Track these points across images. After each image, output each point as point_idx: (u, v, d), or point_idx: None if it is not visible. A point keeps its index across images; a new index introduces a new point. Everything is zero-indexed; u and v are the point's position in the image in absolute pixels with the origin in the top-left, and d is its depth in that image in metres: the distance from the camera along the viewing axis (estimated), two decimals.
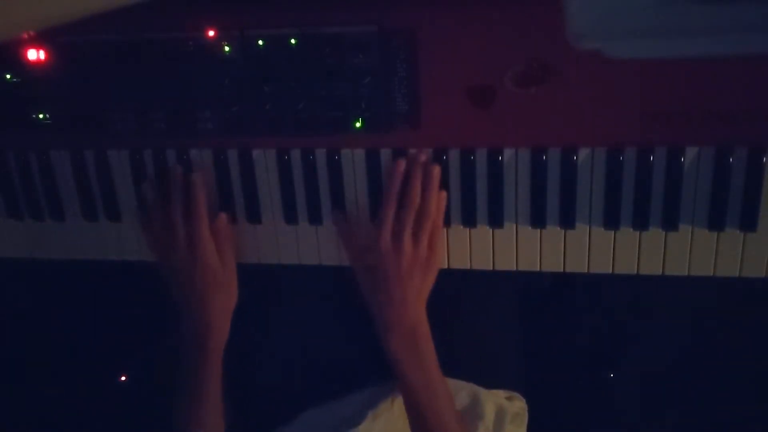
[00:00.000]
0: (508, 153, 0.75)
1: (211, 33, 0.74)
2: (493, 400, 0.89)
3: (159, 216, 0.81)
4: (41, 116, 0.81)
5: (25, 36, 0.76)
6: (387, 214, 0.76)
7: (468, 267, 0.81)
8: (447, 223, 0.79)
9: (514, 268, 0.80)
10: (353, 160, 0.78)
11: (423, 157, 0.76)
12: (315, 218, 0.81)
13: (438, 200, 0.77)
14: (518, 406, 0.92)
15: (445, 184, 0.77)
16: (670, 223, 0.74)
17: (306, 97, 0.75)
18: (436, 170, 0.76)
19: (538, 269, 0.80)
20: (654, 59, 0.65)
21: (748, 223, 0.73)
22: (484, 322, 0.97)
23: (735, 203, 0.72)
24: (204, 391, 0.79)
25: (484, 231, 0.79)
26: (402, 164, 0.76)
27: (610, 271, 0.78)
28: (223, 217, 0.82)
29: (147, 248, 0.86)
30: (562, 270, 0.79)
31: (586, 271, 0.79)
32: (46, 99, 0.80)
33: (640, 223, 0.75)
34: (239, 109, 0.76)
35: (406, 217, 0.75)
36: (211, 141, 0.81)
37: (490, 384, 0.91)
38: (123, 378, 1.20)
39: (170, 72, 0.76)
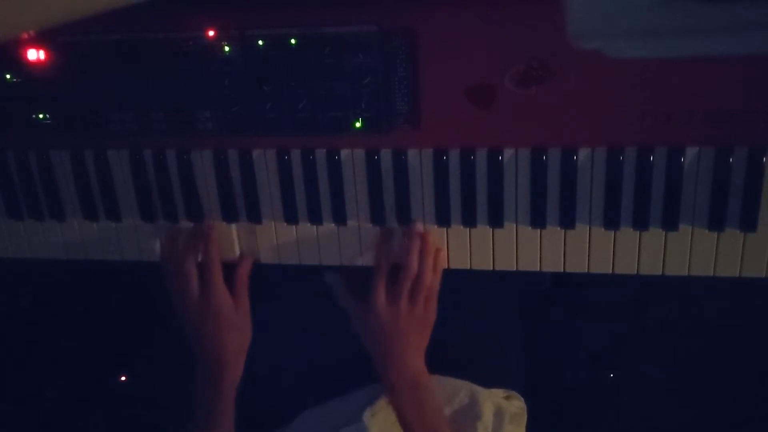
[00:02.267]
0: (508, 153, 0.75)
1: (211, 33, 0.74)
2: (491, 399, 0.89)
3: (173, 265, 0.83)
4: (41, 116, 0.81)
5: (25, 36, 0.76)
6: (380, 280, 0.79)
7: (468, 267, 0.81)
8: (447, 223, 0.79)
9: (514, 268, 0.80)
10: (353, 160, 0.78)
11: (420, 227, 0.79)
12: (315, 218, 0.81)
13: (435, 266, 0.79)
14: (517, 405, 0.92)
15: (445, 184, 0.77)
16: (670, 223, 0.74)
17: (306, 97, 0.75)
18: (431, 239, 0.79)
19: (538, 269, 0.80)
20: (654, 59, 0.65)
21: (748, 223, 0.73)
22: (483, 322, 0.97)
23: (735, 203, 0.72)
24: (217, 426, 0.81)
25: (484, 231, 0.79)
26: (388, 232, 0.79)
27: (610, 271, 0.78)
28: (247, 263, 0.84)
29: (147, 248, 0.87)
30: (562, 270, 0.79)
31: (586, 271, 0.79)
32: (46, 99, 0.80)
33: (640, 223, 0.75)
34: (239, 109, 0.76)
35: (403, 284, 0.78)
36: (211, 141, 0.81)
37: (488, 383, 0.91)
38: (123, 378, 1.20)
39: (170, 72, 0.76)
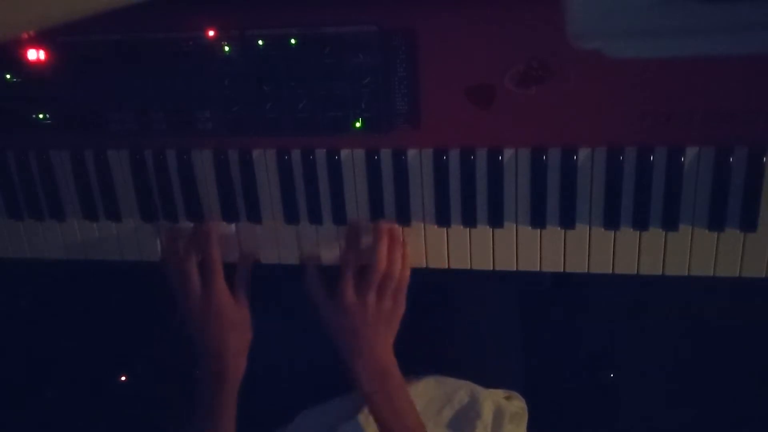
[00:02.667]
0: (508, 153, 0.75)
1: (211, 33, 0.74)
2: (491, 399, 0.89)
3: (174, 265, 0.83)
4: (41, 116, 0.81)
5: (25, 36, 0.76)
6: (347, 273, 0.80)
7: (468, 267, 0.81)
8: (447, 223, 0.79)
9: (514, 268, 0.80)
10: (353, 160, 0.78)
11: (387, 225, 0.79)
12: (315, 218, 0.81)
13: (403, 261, 0.80)
14: (517, 405, 0.92)
15: (445, 184, 0.77)
16: (670, 223, 0.74)
17: (306, 97, 0.75)
18: (398, 234, 0.79)
19: (538, 269, 0.80)
20: (654, 59, 0.65)
21: (748, 223, 0.73)
22: (484, 322, 0.97)
23: (735, 203, 0.72)
24: (219, 426, 0.81)
25: (484, 231, 0.79)
26: (355, 229, 0.80)
27: (610, 271, 0.78)
28: (248, 263, 0.85)
29: (147, 248, 0.87)
30: (562, 270, 0.79)
31: (586, 271, 0.79)
32: (46, 99, 0.80)
33: (640, 223, 0.75)
34: (239, 109, 0.76)
35: (371, 279, 0.78)
36: (211, 141, 0.81)
37: (489, 383, 0.91)
38: (123, 378, 1.20)
39: (170, 72, 0.76)
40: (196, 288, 0.82)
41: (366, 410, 0.85)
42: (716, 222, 0.73)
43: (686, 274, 0.77)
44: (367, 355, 0.79)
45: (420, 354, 0.88)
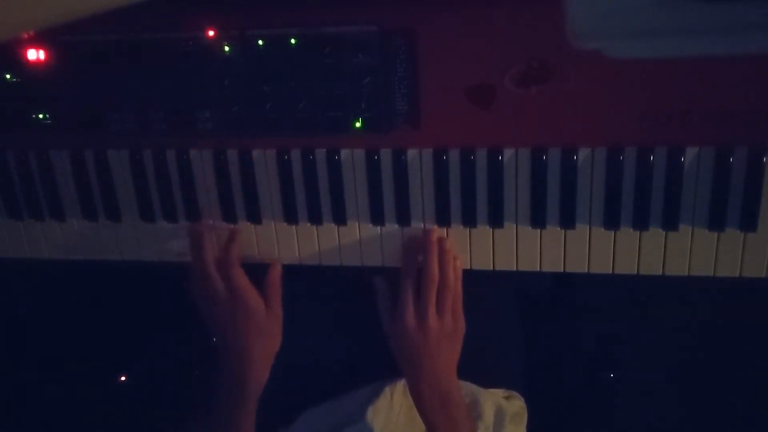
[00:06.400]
0: (508, 153, 0.75)
1: (211, 33, 0.74)
2: (492, 399, 0.89)
3: (195, 265, 0.82)
4: (41, 116, 0.81)
5: (25, 36, 0.76)
6: (407, 294, 0.78)
7: (468, 267, 0.81)
8: (447, 223, 0.79)
9: (514, 268, 0.80)
10: (353, 160, 0.78)
11: (435, 234, 0.78)
12: (315, 218, 0.81)
13: (455, 270, 0.78)
14: (517, 405, 0.92)
15: (445, 184, 0.77)
16: (670, 223, 0.74)
17: (306, 97, 0.75)
18: (448, 244, 0.78)
19: (538, 269, 0.80)
20: (654, 59, 0.65)
21: (748, 223, 0.73)
22: (483, 322, 0.97)
23: (735, 203, 0.72)
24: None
25: (484, 231, 0.79)
26: (411, 243, 0.79)
27: (610, 271, 0.78)
28: (277, 268, 0.83)
29: (147, 248, 0.87)
30: (562, 270, 0.79)
31: (586, 271, 0.79)
32: (46, 99, 0.80)
33: (640, 223, 0.75)
34: (239, 109, 0.76)
35: (428, 295, 0.77)
36: (211, 141, 0.81)
37: (488, 383, 0.91)
38: (123, 378, 1.20)
39: (170, 72, 0.76)
40: (220, 289, 0.81)
41: (371, 411, 0.84)
42: (716, 222, 0.73)
43: (686, 274, 0.77)
44: (429, 377, 0.78)
45: None
